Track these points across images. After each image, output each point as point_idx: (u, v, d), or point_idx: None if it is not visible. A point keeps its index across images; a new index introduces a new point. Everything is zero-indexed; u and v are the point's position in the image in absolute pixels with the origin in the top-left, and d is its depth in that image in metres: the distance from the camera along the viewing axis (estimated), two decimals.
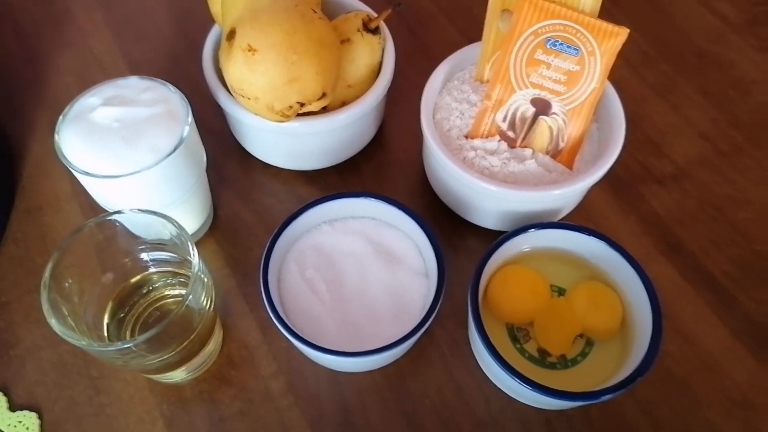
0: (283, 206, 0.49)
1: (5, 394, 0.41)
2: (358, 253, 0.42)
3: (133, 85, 0.40)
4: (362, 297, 0.41)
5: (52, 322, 0.32)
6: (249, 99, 0.40)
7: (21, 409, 0.40)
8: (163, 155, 0.37)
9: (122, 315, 0.40)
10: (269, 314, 0.38)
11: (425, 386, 0.41)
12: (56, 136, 0.38)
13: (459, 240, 0.47)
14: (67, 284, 0.35)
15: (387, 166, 0.51)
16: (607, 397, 0.35)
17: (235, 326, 0.44)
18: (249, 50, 0.37)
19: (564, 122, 0.43)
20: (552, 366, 0.39)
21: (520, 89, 0.43)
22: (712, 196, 0.49)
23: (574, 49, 0.41)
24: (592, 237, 0.40)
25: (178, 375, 0.40)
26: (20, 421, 0.40)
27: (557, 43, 0.41)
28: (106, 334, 0.38)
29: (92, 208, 0.47)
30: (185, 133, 0.38)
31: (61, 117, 0.39)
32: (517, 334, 0.40)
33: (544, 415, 0.40)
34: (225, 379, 0.42)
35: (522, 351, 0.40)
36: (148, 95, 0.39)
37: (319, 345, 0.37)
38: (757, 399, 0.41)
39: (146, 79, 0.40)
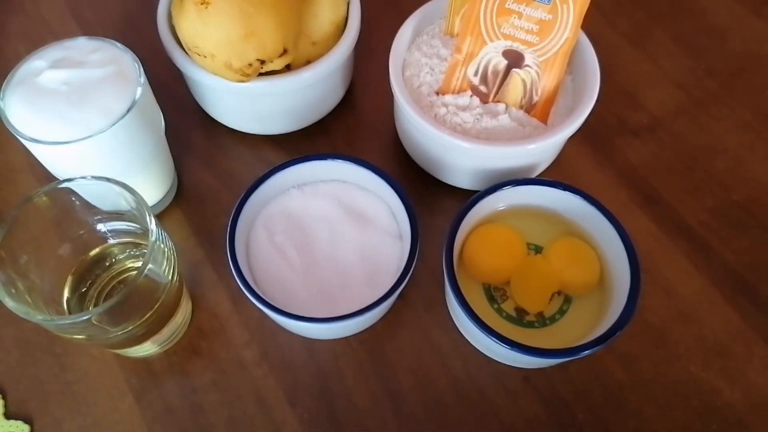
0: (250, 171, 0.47)
1: None
2: (328, 217, 0.41)
3: (81, 46, 0.38)
4: (334, 261, 0.40)
5: (5, 298, 0.31)
6: (205, 57, 0.38)
7: None
8: (115, 118, 0.35)
9: (84, 290, 0.38)
10: (238, 283, 0.37)
11: (402, 348, 0.41)
12: (0, 103, 0.36)
13: (433, 201, 0.46)
14: (21, 259, 0.33)
15: (357, 127, 0.50)
16: (586, 353, 0.34)
17: (204, 297, 0.42)
18: (201, 3, 0.35)
19: (537, 75, 0.42)
20: (530, 325, 0.39)
21: (492, 41, 0.41)
22: (688, 146, 0.48)
23: None
24: (567, 192, 0.40)
25: (147, 348, 0.39)
26: None
27: None
28: (66, 309, 0.36)
29: (48, 179, 0.45)
30: (138, 95, 0.36)
31: (5, 82, 0.36)
32: (494, 293, 0.40)
33: (522, 372, 0.40)
34: (195, 350, 0.41)
35: (499, 311, 0.39)
36: (97, 56, 0.37)
37: (291, 312, 0.36)
38: (734, 347, 0.40)
39: (95, 40, 0.38)
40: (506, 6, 0.41)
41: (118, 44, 0.38)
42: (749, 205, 0.46)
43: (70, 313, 0.36)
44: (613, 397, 0.39)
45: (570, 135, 0.41)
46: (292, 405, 0.39)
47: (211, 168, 0.47)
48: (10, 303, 0.31)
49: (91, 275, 0.38)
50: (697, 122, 0.49)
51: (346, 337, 0.41)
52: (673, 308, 0.42)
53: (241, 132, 0.48)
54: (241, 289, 0.37)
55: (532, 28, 0.41)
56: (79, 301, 0.37)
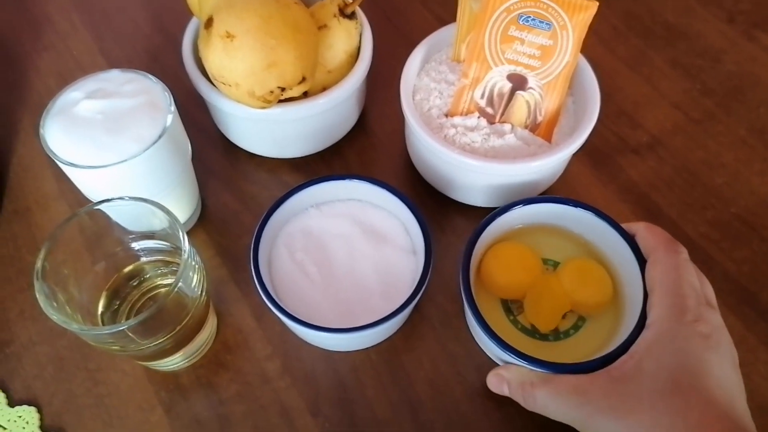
0: (269, 193, 0.49)
1: (4, 391, 0.41)
2: (346, 234, 0.43)
3: (115, 77, 0.40)
4: (352, 276, 0.42)
5: (48, 309, 0.33)
6: (230, 86, 0.40)
7: (20, 404, 0.41)
8: (147, 144, 0.38)
9: (116, 307, 0.40)
10: (262, 297, 0.39)
11: (418, 359, 0.42)
12: (41, 130, 0.38)
13: (444, 217, 0.48)
14: (61, 273, 0.35)
15: (370, 149, 0.52)
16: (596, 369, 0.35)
17: (228, 313, 0.44)
18: (227, 37, 0.38)
19: (540, 96, 0.44)
20: (544, 338, 0.39)
21: (496, 66, 0.44)
22: (687, 162, 0.50)
23: (546, 23, 0.42)
24: (582, 210, 0.40)
25: (176, 361, 0.41)
26: (20, 416, 0.40)
27: (529, 19, 0.42)
28: (100, 322, 0.38)
29: (79, 205, 0.47)
30: (168, 122, 0.39)
31: (44, 112, 0.39)
32: (510, 306, 0.40)
33: None
34: (221, 363, 0.42)
35: (515, 323, 0.40)
36: (129, 87, 0.40)
37: (313, 323, 0.38)
38: (738, 353, 0.41)
39: (127, 72, 0.41)
40: (509, 33, 0.43)
41: (150, 76, 0.41)
42: (747, 217, 0.47)
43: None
44: None
45: (573, 152, 0.44)
46: (314, 415, 0.41)
47: (233, 191, 0.50)
48: (51, 313, 0.33)
49: (123, 293, 0.40)
50: (695, 139, 0.52)
51: (365, 348, 0.43)
52: None
53: (260, 156, 0.51)
54: (264, 304, 0.38)
55: (534, 53, 0.43)
56: (112, 317, 0.39)
